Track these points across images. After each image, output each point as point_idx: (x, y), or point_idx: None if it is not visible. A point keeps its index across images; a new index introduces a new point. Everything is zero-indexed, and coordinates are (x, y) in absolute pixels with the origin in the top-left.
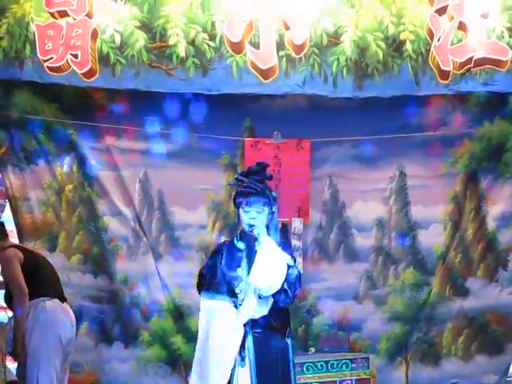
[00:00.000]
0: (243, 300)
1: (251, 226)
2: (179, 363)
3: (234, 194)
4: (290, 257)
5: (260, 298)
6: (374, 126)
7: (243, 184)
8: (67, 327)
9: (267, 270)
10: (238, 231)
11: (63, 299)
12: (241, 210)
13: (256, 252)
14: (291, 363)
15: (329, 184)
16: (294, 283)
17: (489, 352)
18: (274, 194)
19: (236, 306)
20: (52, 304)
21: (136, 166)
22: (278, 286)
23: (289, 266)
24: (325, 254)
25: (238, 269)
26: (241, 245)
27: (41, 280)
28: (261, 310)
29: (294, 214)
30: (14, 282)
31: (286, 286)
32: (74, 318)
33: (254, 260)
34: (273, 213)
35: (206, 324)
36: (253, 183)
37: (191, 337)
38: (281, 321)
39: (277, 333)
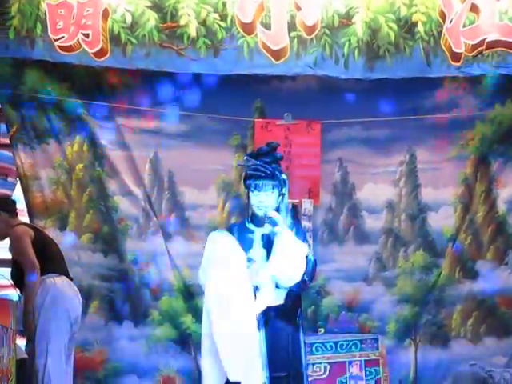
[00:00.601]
0: (256, 284)
1: (260, 208)
2: (189, 342)
3: (243, 175)
4: (307, 247)
5: (277, 287)
6: (385, 108)
7: (252, 166)
8: (75, 304)
9: (288, 264)
10: (249, 213)
11: (70, 278)
12: (250, 192)
13: (269, 236)
14: (302, 344)
15: (339, 166)
16: (311, 273)
17: (498, 334)
18: (284, 175)
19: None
20: (61, 280)
21: (147, 146)
22: (298, 279)
23: (307, 257)
24: (335, 236)
25: (250, 250)
26: (252, 226)
27: (50, 257)
28: (277, 299)
29: (305, 196)
30: (26, 256)
31: (305, 277)
32: (80, 296)
33: (271, 248)
34: (283, 195)
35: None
36: (262, 166)
37: (201, 316)
38: (292, 302)
39: (288, 314)
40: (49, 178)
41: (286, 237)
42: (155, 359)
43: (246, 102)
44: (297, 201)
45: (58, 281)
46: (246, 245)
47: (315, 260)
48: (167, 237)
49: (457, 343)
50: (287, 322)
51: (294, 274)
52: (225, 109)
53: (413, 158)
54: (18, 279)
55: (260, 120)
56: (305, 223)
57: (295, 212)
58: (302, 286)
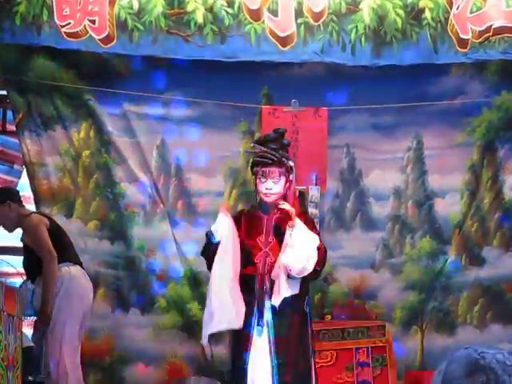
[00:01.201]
0: (264, 272)
1: (267, 195)
2: (195, 330)
3: (250, 161)
4: (317, 238)
5: (289, 277)
6: (392, 95)
7: (259, 153)
8: (89, 293)
9: (301, 256)
10: (257, 200)
11: (82, 267)
12: (257, 179)
13: (280, 225)
14: (310, 332)
15: (346, 152)
16: (322, 261)
17: (504, 321)
18: (291, 162)
19: (256, 276)
20: (75, 269)
21: (153, 133)
22: (310, 270)
23: (318, 248)
24: (341, 223)
25: (258, 238)
26: (259, 214)
27: (64, 246)
28: (293, 289)
29: (311, 182)
30: (44, 246)
31: (317, 267)
32: (91, 285)
33: (281, 236)
34: (290, 181)
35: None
36: (269, 152)
37: None
38: (300, 289)
39: (295, 301)
40: (55, 165)
41: (298, 229)
42: (162, 347)
43: (253, 89)
44: (304, 187)
45: (73, 270)
46: (255, 232)
47: (325, 247)
48: (174, 224)
49: (463, 330)
50: (295, 310)
51: (307, 266)
52: (232, 95)
53: (420, 144)
54: (33, 268)
55: (267, 106)
56: (312, 210)
57: (302, 199)
58: (314, 275)
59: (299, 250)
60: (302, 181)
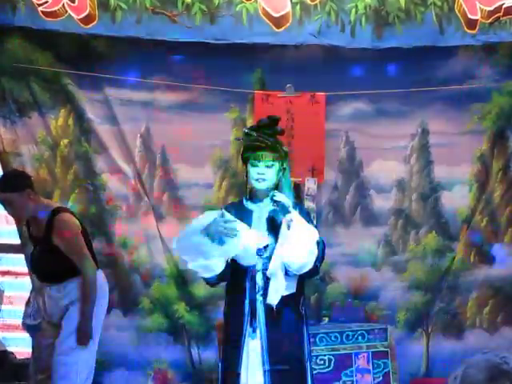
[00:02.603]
0: (256, 268)
1: (259, 181)
2: (182, 333)
3: (241, 149)
4: (316, 231)
5: (287, 274)
6: (395, 80)
7: (251, 138)
8: (108, 300)
9: (301, 251)
10: (248, 190)
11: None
12: (249, 165)
13: (274, 218)
14: (305, 335)
15: (345, 141)
16: (322, 257)
17: None
18: (285, 148)
19: (246, 273)
20: (101, 275)
21: (137, 120)
22: (310, 266)
23: (317, 243)
24: (340, 217)
25: None
26: (251, 205)
27: (93, 252)
28: (290, 287)
29: (308, 174)
30: (85, 255)
31: (316, 263)
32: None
33: (276, 230)
34: (284, 169)
35: None
36: (262, 136)
37: (195, 304)
38: (295, 289)
39: (291, 301)
40: (31, 155)
41: (297, 221)
42: (146, 351)
43: (245, 73)
44: (299, 179)
45: (100, 277)
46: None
47: (323, 241)
48: (159, 218)
49: (472, 333)
50: (289, 311)
51: (307, 262)
52: (222, 80)
53: (425, 132)
54: (55, 271)
55: (260, 92)
56: (308, 203)
57: (298, 191)
58: (314, 272)
59: (299, 244)
60: (298, 172)
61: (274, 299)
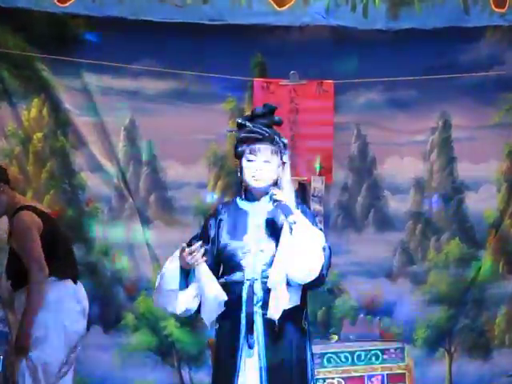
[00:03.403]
0: (253, 277)
1: (256, 178)
2: (171, 352)
3: (235, 142)
4: (323, 235)
5: (289, 284)
6: (413, 65)
7: (246, 129)
8: (74, 316)
9: (303, 257)
10: (242, 188)
11: (76, 278)
12: (243, 160)
13: (273, 220)
14: (308, 353)
15: (357, 135)
16: (327, 264)
17: None
18: (284, 140)
19: (243, 282)
20: (61, 287)
21: (121, 111)
22: (316, 274)
23: (323, 249)
24: (351, 221)
25: (245, 236)
26: (246, 205)
27: (57, 255)
28: (293, 300)
29: (314, 172)
30: (34, 257)
31: (322, 271)
32: (86, 303)
33: (275, 234)
34: (284, 163)
35: None
36: (258, 127)
37: (186, 321)
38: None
39: (291, 315)
40: (0, 150)
41: (301, 224)
42: (130, 373)
43: (243, 58)
44: (305, 178)
45: (58, 288)
46: (240, 230)
47: (330, 247)
48: (145, 222)
49: (500, 354)
50: (291, 326)
51: (312, 270)
52: (217, 66)
53: (446, 125)
54: (18, 277)
55: (260, 79)
56: (314, 206)
57: (303, 192)
58: (319, 281)
59: (303, 250)
60: (303, 170)
61: (275, 313)
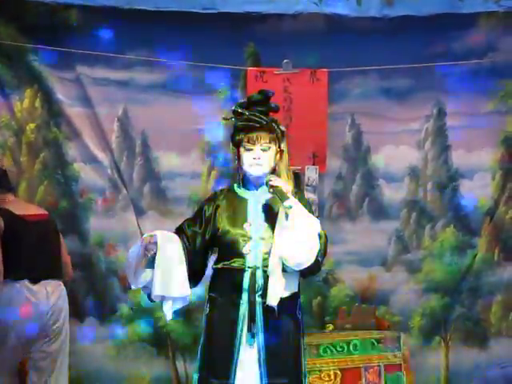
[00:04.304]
0: (256, 264)
1: (254, 166)
2: (166, 343)
3: (232, 130)
4: (318, 222)
5: (285, 271)
6: (407, 53)
7: (243, 117)
8: (24, 322)
9: (300, 242)
10: (240, 177)
11: (39, 279)
12: (242, 149)
13: (271, 205)
14: (302, 345)
15: (351, 124)
16: (324, 251)
17: None
18: (282, 127)
19: (244, 270)
20: (13, 288)
21: (114, 101)
22: (311, 261)
23: (319, 235)
24: (346, 210)
25: (245, 224)
26: (245, 193)
27: (16, 256)
28: (290, 287)
29: (308, 162)
30: None
31: (318, 258)
32: (48, 302)
33: (272, 220)
34: (282, 151)
35: None
36: (256, 115)
37: (181, 311)
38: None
39: (290, 303)
40: None
41: (297, 210)
42: (125, 365)
43: (236, 47)
44: (299, 168)
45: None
46: (239, 218)
47: (326, 235)
48: (140, 213)
49: (496, 342)
50: (287, 316)
51: (308, 256)
52: (210, 55)
53: (441, 113)
54: None
55: (253, 69)
56: (309, 195)
57: (297, 181)
58: (315, 268)
59: (299, 235)
60: (297, 160)
61: (273, 300)
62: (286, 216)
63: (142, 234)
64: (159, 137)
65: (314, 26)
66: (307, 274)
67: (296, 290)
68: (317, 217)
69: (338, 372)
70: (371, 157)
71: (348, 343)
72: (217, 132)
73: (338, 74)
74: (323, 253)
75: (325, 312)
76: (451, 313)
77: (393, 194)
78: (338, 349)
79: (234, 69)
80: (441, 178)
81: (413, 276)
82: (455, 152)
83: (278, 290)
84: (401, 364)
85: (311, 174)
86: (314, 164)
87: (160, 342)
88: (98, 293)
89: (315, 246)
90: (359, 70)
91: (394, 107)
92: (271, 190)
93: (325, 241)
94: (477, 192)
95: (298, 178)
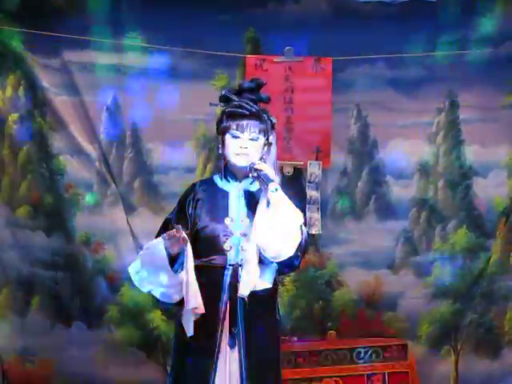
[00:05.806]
0: (237, 262)
1: (241, 156)
2: (157, 347)
3: (219, 116)
4: (301, 214)
5: (262, 262)
6: (417, 40)
7: (234, 103)
8: None
9: (279, 231)
10: (222, 166)
11: None
12: (228, 136)
13: (253, 193)
14: (279, 348)
15: (357, 116)
16: (305, 246)
17: None
18: (273, 119)
19: (225, 267)
20: None
21: (103, 89)
22: (291, 254)
23: (301, 227)
24: (350, 209)
25: (226, 218)
26: (226, 185)
27: None
28: (265, 279)
29: (311, 156)
30: None
31: (298, 252)
32: None
33: (256, 212)
34: (270, 144)
35: None
36: (246, 102)
37: (173, 313)
38: (268, 289)
39: (267, 300)
40: None
41: (279, 197)
42: (114, 370)
43: (235, 33)
44: (301, 163)
45: None
46: (221, 211)
47: (308, 233)
48: (129, 209)
49: (510, 351)
50: (267, 314)
51: (287, 247)
52: (206, 41)
53: (454, 105)
54: None
55: (253, 56)
56: (311, 192)
57: (299, 177)
58: (293, 262)
59: (279, 224)
60: (299, 154)
61: (245, 290)
62: (268, 203)
63: (132, 232)
64: (151, 127)
65: (317, 10)
66: (285, 268)
67: (271, 286)
68: (317, 218)
69: (340, 380)
70: (378, 151)
71: (351, 351)
72: (213, 123)
73: (343, 63)
74: (303, 249)
75: (327, 317)
76: (462, 320)
77: (401, 191)
78: (341, 357)
79: (231, 56)
80: (453, 176)
81: (422, 280)
82: (469, 147)
83: (252, 280)
84: (407, 373)
85: (314, 169)
86: (316, 159)
87: (151, 345)
88: (84, 294)
89: (296, 238)
90: (366, 58)
91: (404, 99)
92: (255, 174)
93: (306, 237)
94: (491, 191)
95: (299, 174)
